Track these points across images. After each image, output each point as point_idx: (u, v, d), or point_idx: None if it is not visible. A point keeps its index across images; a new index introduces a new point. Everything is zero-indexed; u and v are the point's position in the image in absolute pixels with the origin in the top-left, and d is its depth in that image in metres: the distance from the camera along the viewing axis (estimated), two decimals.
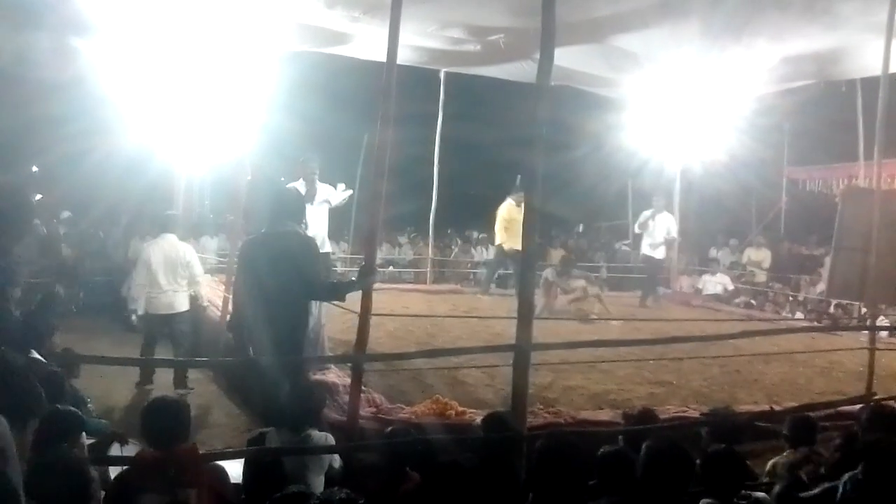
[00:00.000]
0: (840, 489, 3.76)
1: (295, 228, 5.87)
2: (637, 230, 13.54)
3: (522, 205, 12.74)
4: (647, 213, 13.36)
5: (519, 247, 12.75)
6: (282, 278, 5.49)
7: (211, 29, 8.67)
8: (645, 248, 13.48)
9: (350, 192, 9.89)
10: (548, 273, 11.87)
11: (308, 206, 8.37)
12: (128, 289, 9.56)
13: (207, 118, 9.34)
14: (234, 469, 4.37)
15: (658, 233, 13.17)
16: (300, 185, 9.07)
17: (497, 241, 13.13)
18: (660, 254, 13.31)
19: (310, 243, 6.01)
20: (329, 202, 9.49)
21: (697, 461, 3.89)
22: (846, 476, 3.81)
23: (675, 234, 13.39)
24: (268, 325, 5.42)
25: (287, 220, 5.86)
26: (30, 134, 13.16)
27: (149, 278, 8.27)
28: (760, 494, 3.93)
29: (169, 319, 8.41)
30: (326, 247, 9.50)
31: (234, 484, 4.13)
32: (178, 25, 8.58)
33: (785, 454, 4.96)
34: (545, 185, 4.64)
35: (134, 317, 8.42)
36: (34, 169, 16.31)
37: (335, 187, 9.70)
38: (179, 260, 8.44)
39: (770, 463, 4.90)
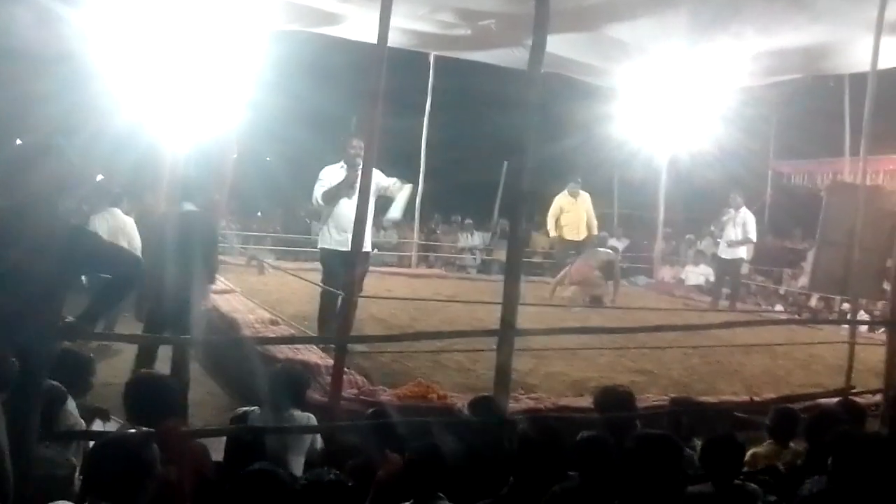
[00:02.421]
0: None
1: (196, 209, 6.87)
2: (713, 229, 13.21)
3: (578, 196, 13.08)
4: (725, 211, 12.82)
5: (570, 237, 13.07)
6: (187, 253, 6.45)
7: (200, 5, 8.61)
8: (719, 249, 12.94)
9: (410, 186, 8.19)
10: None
11: (347, 201, 7.57)
12: None
13: (195, 96, 9.29)
14: (216, 447, 4.38)
15: (731, 232, 12.61)
16: (339, 170, 7.86)
17: (551, 233, 13.34)
18: (731, 254, 12.64)
19: (214, 224, 7.47)
20: (378, 188, 7.74)
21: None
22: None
23: (752, 234, 12.70)
24: (172, 289, 6.29)
25: (188, 200, 6.88)
26: (16, 110, 13.05)
27: None
28: (753, 485, 3.95)
29: None
30: (368, 245, 7.65)
31: (216, 462, 4.13)
32: (167, 1, 8.52)
33: (765, 444, 5.00)
34: (533, 172, 4.62)
35: (84, 277, 8.86)
36: (18, 142, 16.17)
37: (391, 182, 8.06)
38: (121, 231, 9.39)
39: (749, 453, 4.94)
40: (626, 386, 5.59)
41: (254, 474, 3.10)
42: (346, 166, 7.76)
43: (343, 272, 7.34)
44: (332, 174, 7.85)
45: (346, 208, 7.53)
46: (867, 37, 7.39)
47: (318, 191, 7.85)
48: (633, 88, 12.90)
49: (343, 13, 9.67)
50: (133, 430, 3.52)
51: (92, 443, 4.24)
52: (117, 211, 9.63)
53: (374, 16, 5.02)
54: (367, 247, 7.53)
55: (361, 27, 9.73)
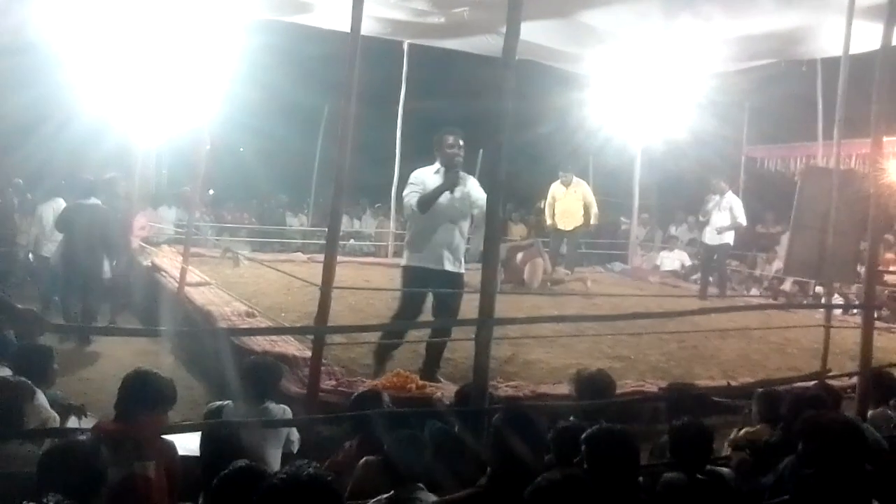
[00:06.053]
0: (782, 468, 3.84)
1: (95, 201, 9.22)
2: (701, 218, 13.12)
3: (570, 185, 13.00)
4: (709, 198, 12.60)
5: (561, 226, 12.92)
6: (92, 234, 9.06)
7: None
8: (704, 236, 12.75)
9: None
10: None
11: (453, 212, 6.64)
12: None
13: (167, 87, 9.20)
14: (192, 442, 4.33)
15: (718, 218, 12.40)
16: (434, 174, 6.73)
17: (548, 221, 13.30)
18: (717, 240, 12.40)
19: (113, 215, 9.58)
20: (475, 202, 6.66)
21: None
22: (786, 460, 3.88)
23: (740, 218, 12.42)
24: (83, 264, 9.10)
25: (94, 196, 9.24)
26: None
27: (41, 230, 10.48)
28: (725, 470, 3.97)
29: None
30: (462, 265, 6.80)
31: (184, 457, 4.08)
32: None
33: (756, 427, 5.02)
34: (509, 160, 4.58)
35: (31, 255, 10.84)
36: None
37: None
38: None
39: (742, 432, 4.99)
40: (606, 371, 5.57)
41: (238, 472, 3.06)
42: (442, 169, 6.70)
43: (442, 295, 6.67)
44: (426, 178, 6.75)
45: (452, 220, 6.71)
46: (839, 21, 7.41)
47: (413, 198, 6.64)
48: (606, 75, 12.90)
49: (315, 2, 9.59)
50: (82, 438, 3.49)
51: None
52: (60, 200, 10.18)
53: (347, 4, 4.96)
54: (461, 268, 6.81)
55: (334, 16, 9.66)
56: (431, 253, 6.67)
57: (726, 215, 12.34)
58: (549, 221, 13.36)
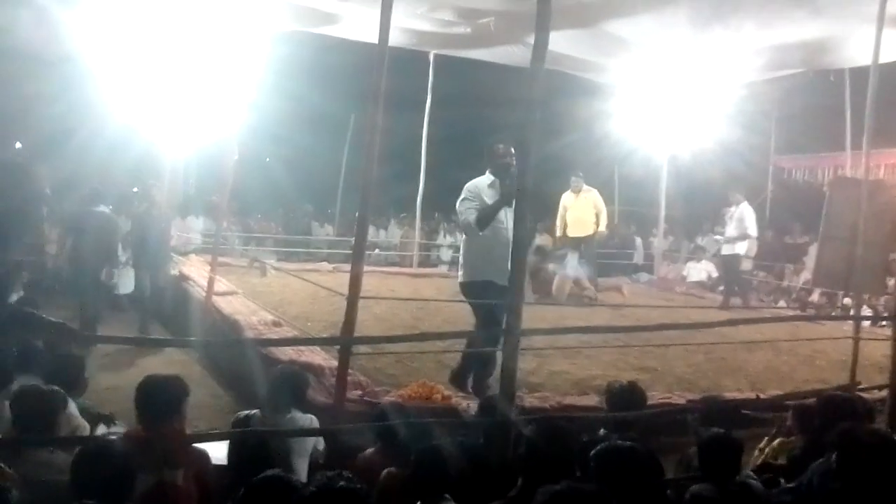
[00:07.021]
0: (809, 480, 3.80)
1: (104, 209, 9.64)
2: (718, 229, 12.98)
3: (580, 192, 12.87)
4: (726, 210, 12.56)
5: (574, 234, 12.68)
6: (99, 240, 9.32)
7: (200, 7, 8.59)
8: (720, 247, 12.70)
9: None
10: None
11: (505, 230, 6.34)
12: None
13: (195, 97, 9.28)
14: (220, 451, 4.36)
15: (729, 228, 12.31)
16: (487, 187, 6.55)
17: (558, 233, 13.18)
18: (728, 250, 12.34)
19: (115, 221, 9.87)
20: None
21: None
22: (813, 466, 3.85)
23: (750, 229, 12.23)
24: (86, 264, 9.28)
25: (100, 202, 9.62)
26: (15, 111, 13.05)
27: None
28: (754, 482, 3.94)
29: None
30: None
31: (216, 466, 4.11)
32: (168, 2, 8.51)
33: (793, 438, 4.99)
34: (535, 169, 4.58)
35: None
36: (17, 145, 16.17)
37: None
38: None
39: (777, 441, 4.96)
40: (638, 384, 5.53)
41: (267, 481, 3.08)
42: (496, 181, 6.53)
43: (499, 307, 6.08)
44: (481, 191, 6.56)
45: (511, 233, 6.14)
46: (868, 30, 7.36)
47: (471, 214, 6.48)
48: (633, 85, 12.87)
49: (342, 13, 9.64)
50: (113, 437, 3.54)
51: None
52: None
53: (374, 15, 4.99)
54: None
55: (360, 27, 9.71)
56: (496, 268, 6.28)
57: (734, 226, 12.25)
58: (559, 233, 13.22)
